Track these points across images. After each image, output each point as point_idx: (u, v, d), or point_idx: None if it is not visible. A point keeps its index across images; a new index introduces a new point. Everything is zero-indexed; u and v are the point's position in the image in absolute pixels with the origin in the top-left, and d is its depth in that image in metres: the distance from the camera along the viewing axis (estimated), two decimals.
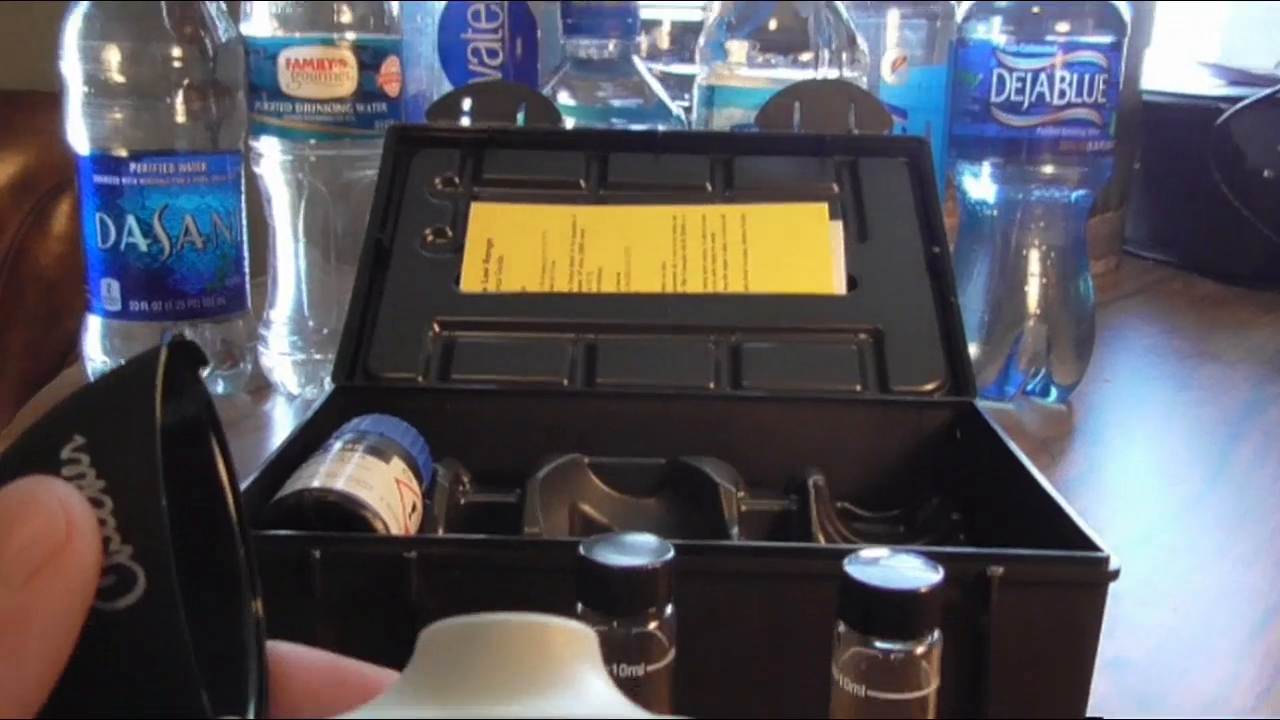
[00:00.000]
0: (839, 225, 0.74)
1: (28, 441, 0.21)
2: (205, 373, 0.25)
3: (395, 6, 0.90)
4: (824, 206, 0.74)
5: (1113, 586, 0.47)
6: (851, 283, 0.71)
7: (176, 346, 0.22)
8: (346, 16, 0.86)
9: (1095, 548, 0.47)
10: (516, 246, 0.72)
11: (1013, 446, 0.58)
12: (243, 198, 0.89)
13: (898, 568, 0.40)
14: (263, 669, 0.23)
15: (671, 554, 0.40)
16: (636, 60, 0.93)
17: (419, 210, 0.74)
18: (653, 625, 0.40)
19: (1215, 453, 0.89)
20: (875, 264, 0.72)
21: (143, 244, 0.83)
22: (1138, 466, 0.87)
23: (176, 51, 0.83)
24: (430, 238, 0.73)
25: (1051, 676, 0.48)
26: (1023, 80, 0.88)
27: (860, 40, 0.93)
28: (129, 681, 0.20)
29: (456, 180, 0.76)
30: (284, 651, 0.24)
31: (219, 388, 0.88)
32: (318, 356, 0.89)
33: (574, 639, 0.20)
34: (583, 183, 0.76)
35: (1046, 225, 0.91)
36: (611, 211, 0.74)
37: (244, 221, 0.89)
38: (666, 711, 0.42)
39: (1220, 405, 0.99)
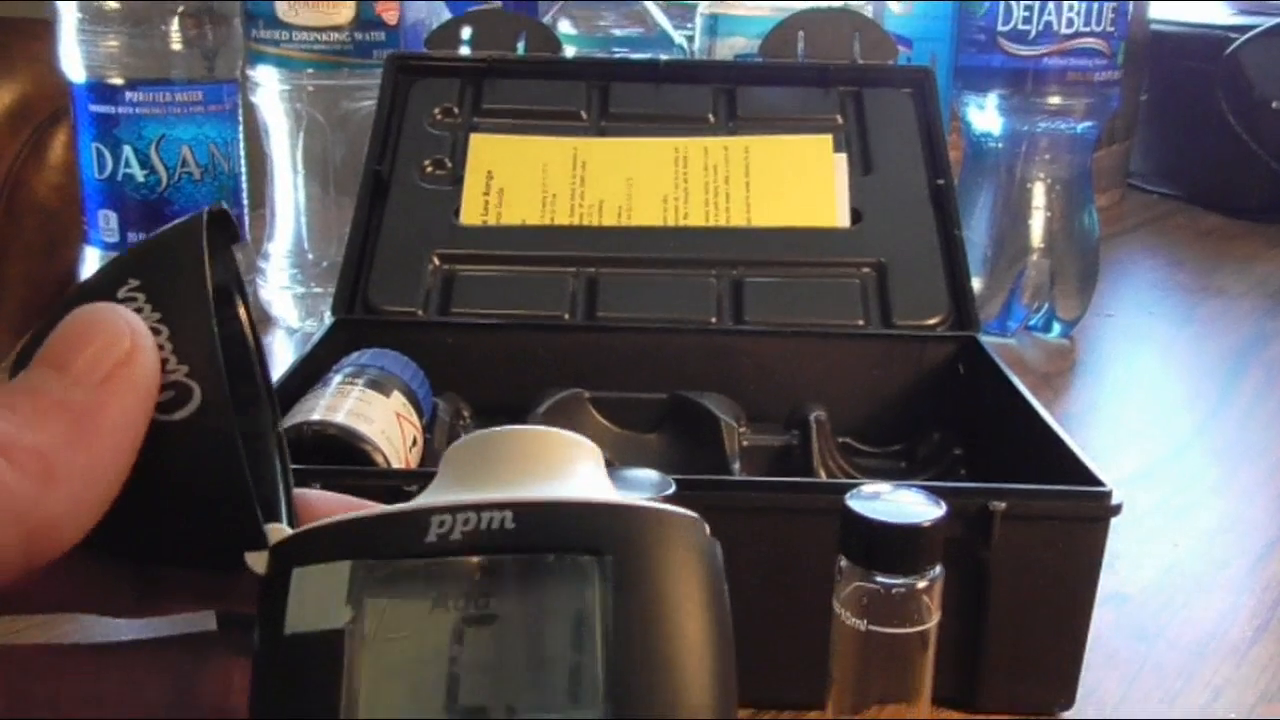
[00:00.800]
0: (843, 157, 0.73)
1: (85, 288, 0.23)
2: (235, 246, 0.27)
3: None
4: (828, 138, 0.73)
5: (1113, 520, 0.47)
6: (855, 216, 0.70)
7: (215, 214, 0.24)
8: None
9: (1098, 482, 0.47)
10: (517, 178, 0.71)
11: (1016, 381, 0.58)
12: (240, 128, 0.88)
13: (900, 502, 0.40)
14: (290, 497, 0.25)
15: (673, 488, 0.40)
16: None
17: (418, 141, 0.74)
18: None
19: (1218, 387, 0.89)
20: (879, 197, 0.71)
21: (139, 174, 0.83)
22: (1140, 401, 0.87)
23: None
24: (429, 169, 0.73)
25: (1052, 610, 0.48)
26: (1030, 9, 0.86)
27: None
28: (187, 486, 0.22)
29: (456, 110, 0.75)
30: (307, 492, 0.26)
31: None
32: (317, 290, 0.88)
33: (577, 445, 0.23)
34: (583, 113, 0.75)
35: (1052, 158, 0.90)
36: (612, 143, 0.73)
37: (242, 153, 0.88)
38: None
39: (1223, 340, 0.99)
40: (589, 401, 0.61)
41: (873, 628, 0.40)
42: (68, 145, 1.20)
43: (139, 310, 0.22)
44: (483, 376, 0.64)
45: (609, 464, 0.25)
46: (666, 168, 0.72)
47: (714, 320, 0.66)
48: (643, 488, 0.40)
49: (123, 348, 0.22)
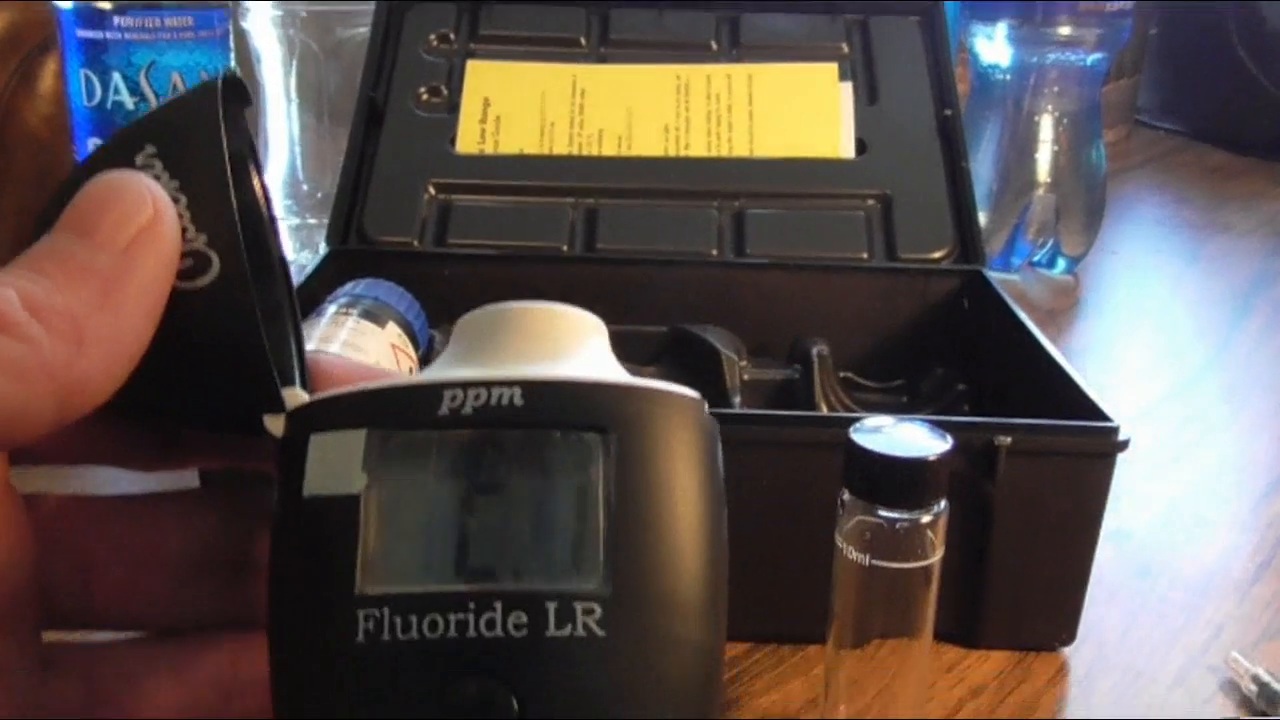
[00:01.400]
0: (848, 87, 0.71)
1: (101, 154, 0.24)
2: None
3: None
4: (833, 67, 0.72)
5: (1117, 457, 0.47)
6: (860, 146, 0.69)
7: (229, 79, 0.24)
8: None
9: (1105, 418, 0.47)
10: (514, 107, 0.70)
11: (1022, 315, 0.57)
12: (232, 56, 0.86)
13: (903, 436, 0.39)
14: (304, 364, 0.26)
15: None
16: None
17: (413, 68, 0.72)
18: None
19: (1223, 325, 0.88)
20: (884, 127, 0.70)
21: (129, 102, 0.81)
22: (1144, 339, 0.86)
23: None
24: (425, 97, 0.71)
25: (1055, 547, 0.48)
26: None
27: None
28: (207, 352, 0.23)
29: (452, 37, 0.74)
30: (321, 358, 0.27)
31: None
32: (312, 221, 0.87)
33: (583, 320, 0.25)
34: (583, 40, 0.73)
35: (1061, 90, 0.88)
36: (613, 71, 0.72)
37: None
38: None
39: (1229, 278, 0.98)
40: None
41: (875, 562, 0.39)
42: (58, 75, 1.18)
43: (156, 177, 0.23)
44: (479, 308, 0.63)
45: None
46: (668, 96, 0.70)
47: (715, 253, 0.65)
48: None
49: (145, 214, 0.22)
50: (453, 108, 0.70)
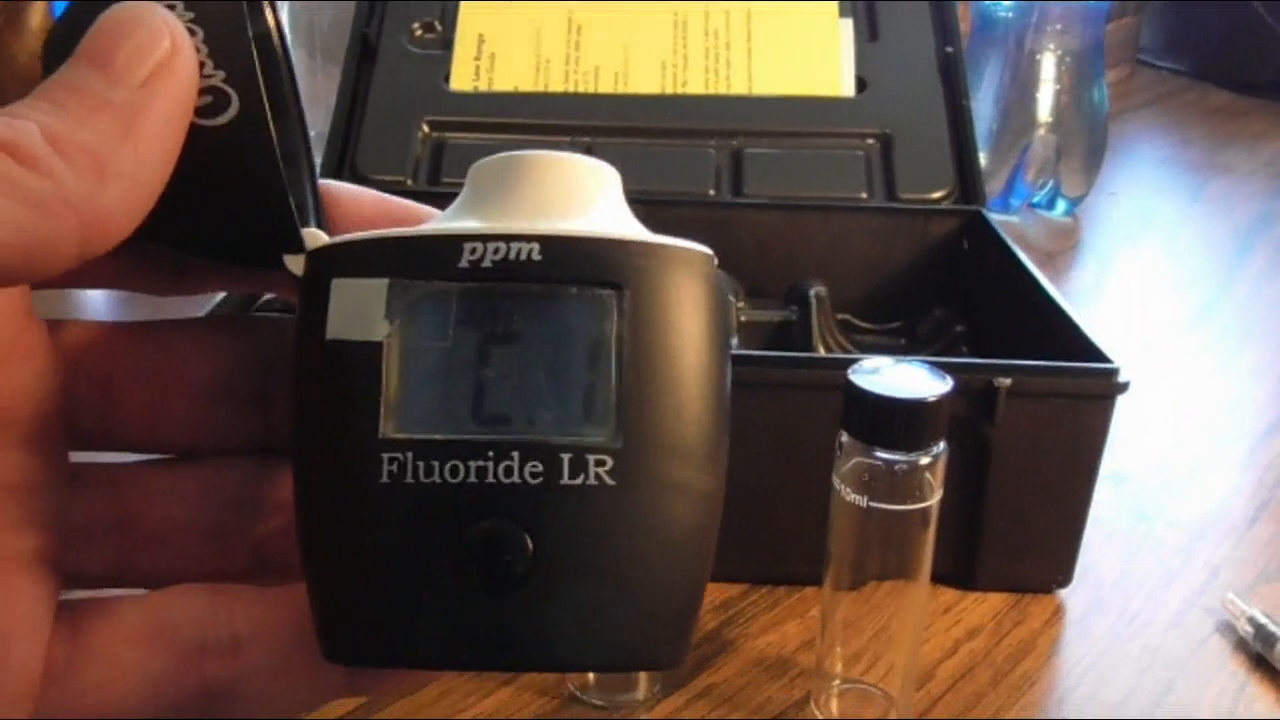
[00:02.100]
0: (848, 23, 0.70)
1: None
2: None
3: None
4: (833, 4, 0.71)
5: (1116, 399, 0.46)
6: (860, 84, 0.68)
7: None
8: None
9: (1106, 359, 0.46)
10: (509, 43, 0.69)
11: (1022, 256, 0.56)
12: None
13: (902, 378, 0.38)
14: (320, 205, 0.26)
15: None
16: None
17: (406, 4, 0.71)
18: None
19: (1224, 266, 0.88)
20: (885, 65, 0.69)
21: None
22: (1144, 280, 0.86)
23: None
24: (419, 33, 0.70)
25: (1053, 489, 0.48)
26: None
27: None
28: (227, 190, 0.23)
29: None
30: (335, 186, 0.26)
31: None
32: None
33: (598, 171, 0.25)
34: None
35: (1063, 28, 0.87)
36: (609, 7, 0.70)
37: None
38: None
39: (1230, 218, 0.97)
40: None
41: (873, 504, 0.39)
42: (46, 13, 1.16)
43: (172, 8, 0.22)
44: None
45: None
46: (665, 33, 0.69)
47: (712, 192, 0.64)
48: None
49: (163, 48, 0.22)
50: (446, 44, 0.69)
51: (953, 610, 0.49)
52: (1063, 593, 0.50)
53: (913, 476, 0.38)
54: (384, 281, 0.22)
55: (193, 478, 0.26)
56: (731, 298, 0.58)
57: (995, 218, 0.62)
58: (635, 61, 0.68)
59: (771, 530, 0.48)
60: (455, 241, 0.22)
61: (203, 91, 0.23)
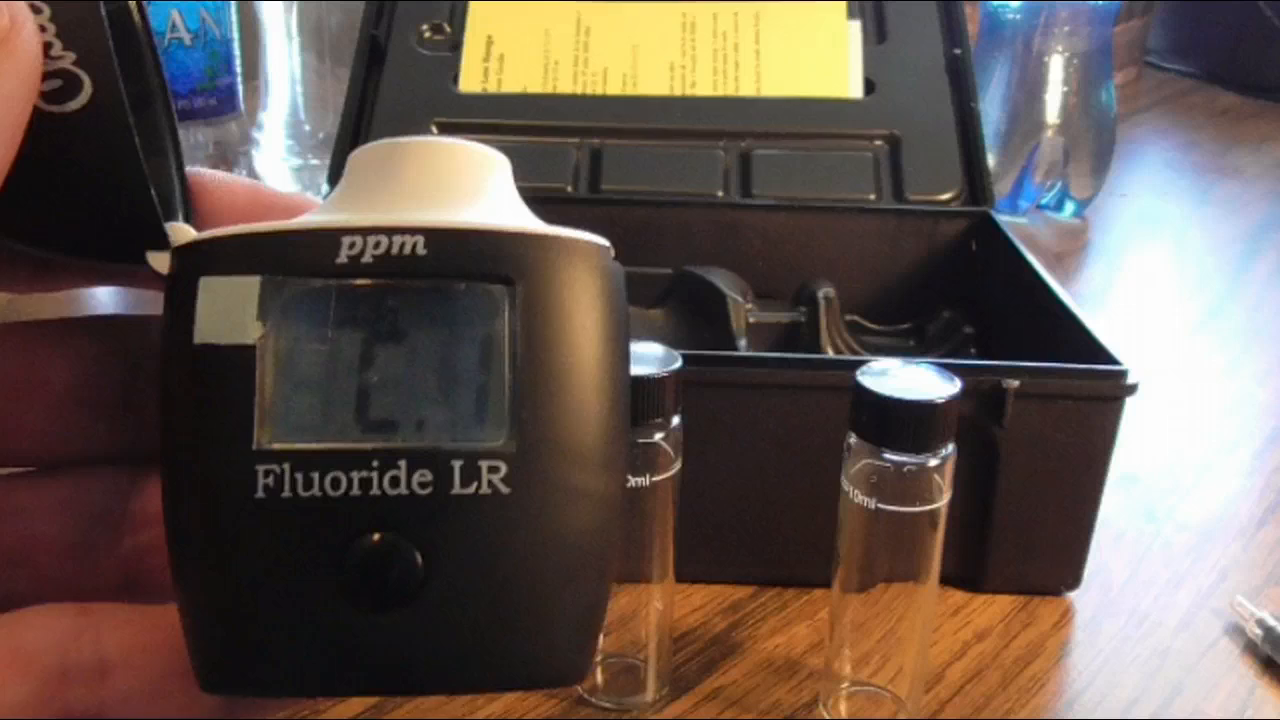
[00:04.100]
0: (856, 25, 0.70)
1: None
2: None
3: None
4: (841, 5, 0.71)
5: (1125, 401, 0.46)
6: (868, 86, 0.68)
7: None
8: None
9: (1115, 361, 0.46)
10: (517, 44, 0.69)
11: (1030, 258, 0.56)
12: None
13: (911, 379, 0.38)
14: (188, 198, 0.24)
15: (679, 364, 0.39)
16: None
17: (415, 6, 0.71)
18: (658, 436, 0.39)
19: (1231, 269, 0.87)
20: (893, 66, 0.69)
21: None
22: (1152, 283, 0.85)
23: None
24: (427, 34, 0.70)
25: (1062, 491, 0.48)
26: None
27: None
28: (82, 182, 0.22)
29: None
30: (204, 174, 0.25)
31: None
32: (314, 162, 0.86)
33: (487, 158, 0.23)
34: None
35: (1071, 30, 0.87)
36: (618, 8, 0.70)
37: (234, 19, 0.85)
38: (672, 522, 0.41)
39: (1238, 221, 0.97)
40: None
41: (882, 506, 0.39)
42: None
43: None
44: None
45: None
46: (674, 34, 0.69)
47: (721, 194, 0.64)
48: (648, 363, 0.39)
49: (1, 25, 0.19)
50: (455, 46, 0.69)
51: (961, 612, 0.49)
52: (1072, 595, 0.50)
53: (921, 478, 0.38)
54: (255, 279, 0.21)
55: (54, 491, 0.24)
56: (740, 297, 0.58)
57: (1003, 219, 0.62)
58: (644, 63, 0.68)
59: (780, 532, 0.48)
60: (333, 235, 0.21)
61: (49, 75, 0.21)
